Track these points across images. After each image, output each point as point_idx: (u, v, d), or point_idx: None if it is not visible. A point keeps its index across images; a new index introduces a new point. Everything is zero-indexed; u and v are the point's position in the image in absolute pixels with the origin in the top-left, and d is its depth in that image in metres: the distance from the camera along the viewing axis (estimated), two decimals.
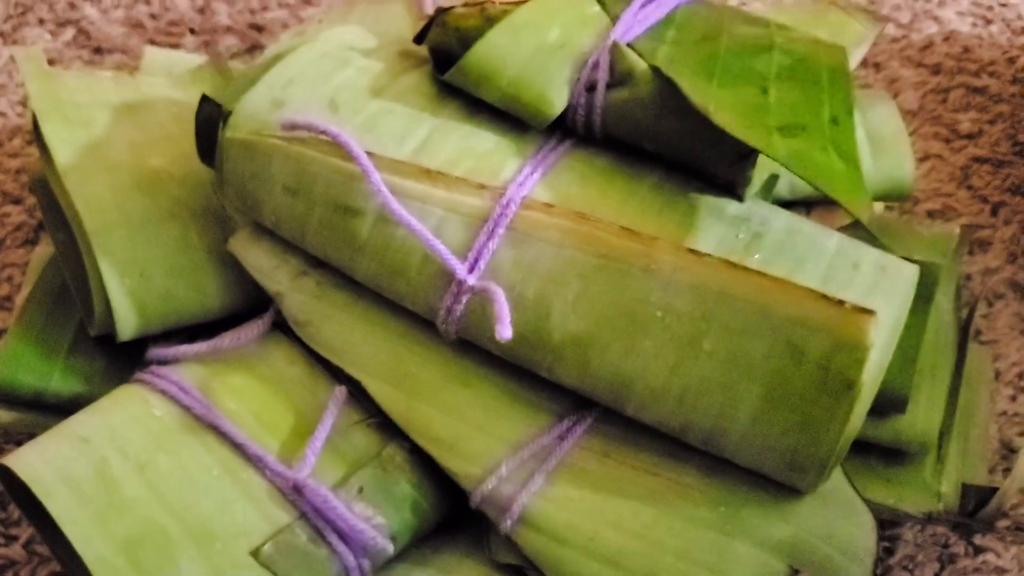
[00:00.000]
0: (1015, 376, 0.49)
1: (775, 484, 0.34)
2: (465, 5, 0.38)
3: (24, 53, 0.45)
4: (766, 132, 0.34)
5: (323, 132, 0.36)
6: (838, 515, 0.35)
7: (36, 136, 0.44)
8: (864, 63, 0.62)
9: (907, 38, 0.63)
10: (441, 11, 0.39)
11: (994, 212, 0.55)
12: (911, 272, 0.35)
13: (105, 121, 0.44)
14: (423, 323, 0.37)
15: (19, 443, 0.46)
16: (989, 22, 0.63)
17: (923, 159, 0.57)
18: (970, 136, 0.58)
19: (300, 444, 0.36)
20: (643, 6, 0.39)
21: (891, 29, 0.63)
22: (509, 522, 0.35)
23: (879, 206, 0.50)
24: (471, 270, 0.35)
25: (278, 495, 0.35)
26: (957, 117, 0.59)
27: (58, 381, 0.42)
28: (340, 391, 0.37)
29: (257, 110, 0.38)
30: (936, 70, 0.61)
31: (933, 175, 0.56)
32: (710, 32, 0.39)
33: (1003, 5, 0.64)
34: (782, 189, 0.44)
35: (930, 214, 0.55)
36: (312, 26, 0.52)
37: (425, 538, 0.37)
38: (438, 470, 0.36)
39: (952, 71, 0.61)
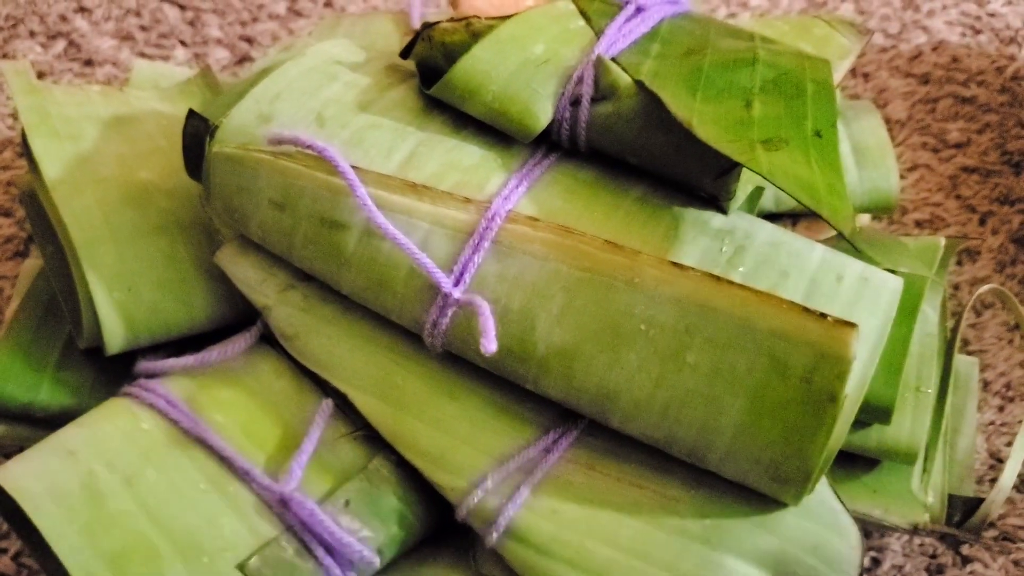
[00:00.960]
0: (1002, 386, 0.49)
1: (760, 496, 0.35)
2: (451, 20, 0.39)
3: (12, 67, 0.45)
4: (749, 146, 0.34)
5: (309, 147, 0.36)
6: (823, 527, 0.35)
7: (25, 150, 0.44)
8: (853, 73, 0.62)
9: (896, 48, 0.63)
10: (427, 26, 0.39)
11: (982, 222, 0.55)
12: (895, 284, 0.36)
13: (94, 135, 0.44)
14: (409, 336, 0.37)
15: (7, 456, 0.46)
16: (978, 32, 0.63)
17: (911, 169, 0.57)
18: (959, 146, 0.58)
19: (287, 457, 0.36)
20: (628, 20, 0.39)
21: (880, 39, 0.63)
22: (495, 535, 0.35)
23: (866, 217, 0.50)
24: (457, 283, 0.35)
25: (265, 508, 0.35)
26: (946, 127, 0.59)
27: (46, 393, 0.42)
28: (327, 404, 0.37)
29: (244, 124, 0.38)
30: (925, 80, 0.61)
31: (921, 185, 0.57)
32: (694, 46, 0.39)
33: (991, 15, 0.64)
34: (767, 201, 0.44)
35: (918, 224, 0.55)
36: (300, 40, 0.53)
37: (411, 551, 0.37)
38: (424, 483, 0.36)
39: (941, 81, 0.61)
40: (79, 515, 0.34)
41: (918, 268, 0.42)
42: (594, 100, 0.37)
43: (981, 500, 0.41)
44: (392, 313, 0.37)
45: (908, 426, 0.40)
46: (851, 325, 0.31)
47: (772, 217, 0.45)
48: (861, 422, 0.39)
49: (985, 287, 0.46)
